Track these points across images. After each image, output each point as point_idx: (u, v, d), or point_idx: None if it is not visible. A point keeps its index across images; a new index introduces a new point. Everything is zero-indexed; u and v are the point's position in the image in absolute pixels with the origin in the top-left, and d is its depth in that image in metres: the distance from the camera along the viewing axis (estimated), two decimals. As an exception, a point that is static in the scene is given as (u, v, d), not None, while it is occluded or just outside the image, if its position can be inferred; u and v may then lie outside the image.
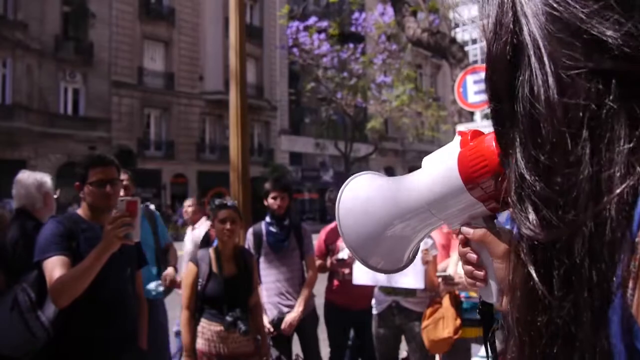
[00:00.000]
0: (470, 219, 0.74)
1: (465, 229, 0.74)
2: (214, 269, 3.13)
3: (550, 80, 0.44)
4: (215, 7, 25.86)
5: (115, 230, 2.11)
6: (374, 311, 3.63)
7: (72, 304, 2.16)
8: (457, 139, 0.73)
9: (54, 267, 2.18)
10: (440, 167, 0.72)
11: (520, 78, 0.46)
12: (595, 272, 0.39)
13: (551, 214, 0.43)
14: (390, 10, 12.12)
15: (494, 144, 0.67)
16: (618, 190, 0.39)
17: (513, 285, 0.48)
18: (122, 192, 3.55)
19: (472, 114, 7.61)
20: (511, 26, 0.47)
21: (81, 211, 2.49)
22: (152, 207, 4.18)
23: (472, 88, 6.91)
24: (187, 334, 3.08)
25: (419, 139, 26.15)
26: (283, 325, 3.63)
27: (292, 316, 3.65)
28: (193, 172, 25.70)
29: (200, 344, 3.10)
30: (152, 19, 24.90)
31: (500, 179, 0.66)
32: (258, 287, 3.47)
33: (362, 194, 0.81)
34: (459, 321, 3.07)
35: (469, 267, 0.76)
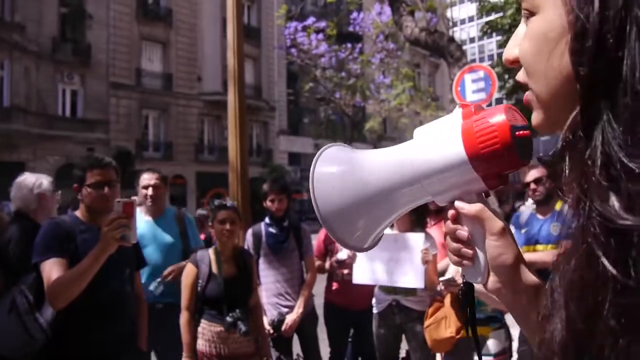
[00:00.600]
0: (463, 195, 0.71)
1: (459, 204, 0.71)
2: (214, 269, 3.13)
3: None
4: (212, 7, 25.84)
5: (112, 232, 2.11)
6: (375, 310, 3.62)
7: (69, 305, 2.17)
8: (458, 111, 0.70)
9: (51, 269, 2.19)
10: (441, 139, 0.69)
11: (628, 54, 0.45)
12: None
13: (638, 200, 0.42)
14: (387, 9, 12.12)
15: (504, 116, 0.65)
16: None
17: (566, 268, 0.49)
18: (151, 192, 3.56)
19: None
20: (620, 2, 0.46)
21: (79, 213, 2.50)
22: (184, 209, 4.10)
23: (471, 87, 6.92)
24: (187, 334, 3.08)
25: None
26: (283, 327, 3.62)
27: (292, 318, 3.64)
28: (192, 173, 25.68)
29: (200, 344, 3.10)
30: (149, 20, 24.88)
31: (509, 153, 0.64)
32: (258, 288, 3.48)
33: (341, 164, 0.77)
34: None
35: (457, 245, 0.72)
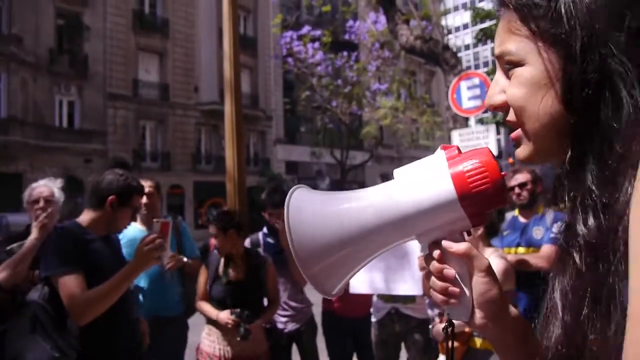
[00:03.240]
0: (447, 235, 0.72)
1: (447, 244, 0.72)
2: (221, 272, 3.26)
3: (638, 102, 0.52)
4: (208, 18, 25.95)
5: (152, 252, 2.14)
6: (373, 319, 3.62)
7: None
8: (441, 152, 0.72)
9: (72, 284, 2.12)
10: (428, 179, 0.69)
11: (606, 99, 0.55)
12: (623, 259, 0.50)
13: (606, 222, 0.53)
14: (382, 18, 12.20)
15: (492, 157, 0.69)
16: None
17: (561, 275, 0.59)
18: (146, 200, 3.55)
19: (466, 119, 7.65)
20: (597, 54, 0.56)
21: (86, 221, 2.41)
22: (180, 218, 4.06)
23: (466, 94, 6.95)
24: (206, 306, 3.24)
25: (415, 145, 26.22)
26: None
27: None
28: (189, 183, 25.66)
29: (206, 345, 3.21)
30: (146, 31, 24.95)
31: (499, 192, 0.68)
32: (275, 290, 3.48)
33: (316, 206, 0.75)
34: (468, 329, 3.08)
35: (444, 284, 0.73)
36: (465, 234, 0.74)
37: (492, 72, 16.54)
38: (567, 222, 0.60)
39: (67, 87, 22.47)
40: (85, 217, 2.43)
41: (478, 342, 3.03)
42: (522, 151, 0.68)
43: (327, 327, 4.03)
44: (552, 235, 3.24)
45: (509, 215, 3.66)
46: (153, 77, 25.39)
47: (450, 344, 0.80)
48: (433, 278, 0.75)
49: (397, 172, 0.73)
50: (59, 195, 3.21)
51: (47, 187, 3.20)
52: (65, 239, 2.26)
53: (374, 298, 3.60)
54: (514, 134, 0.69)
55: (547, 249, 3.21)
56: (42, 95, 21.38)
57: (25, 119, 20.58)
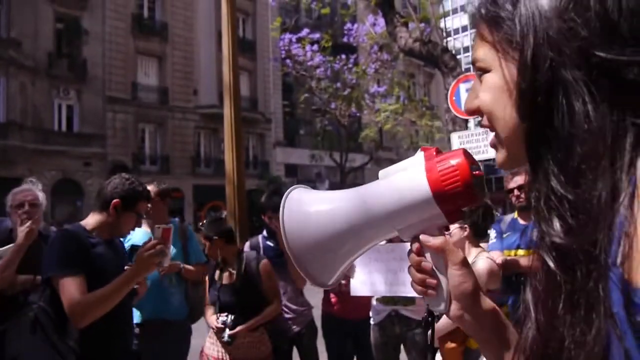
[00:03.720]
0: (426, 230, 0.77)
1: (425, 238, 0.77)
2: (217, 277, 3.33)
3: (590, 108, 0.54)
4: (207, 21, 25.98)
5: (153, 257, 2.16)
6: (372, 321, 3.61)
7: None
8: (420, 154, 0.76)
9: (73, 286, 2.11)
10: (407, 179, 0.75)
11: (558, 106, 0.56)
12: (595, 260, 0.52)
13: (575, 223, 0.54)
14: (381, 21, 12.21)
15: (464, 158, 0.73)
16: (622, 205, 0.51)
17: (534, 275, 0.60)
18: (151, 204, 3.52)
19: (466, 121, 7.65)
20: (549, 62, 0.57)
21: (91, 224, 2.40)
22: (187, 223, 4.04)
23: (465, 96, 6.95)
24: (207, 313, 3.37)
25: (414, 148, 26.23)
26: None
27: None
28: (189, 186, 25.64)
29: (207, 347, 3.27)
30: (145, 35, 24.97)
31: (470, 191, 0.72)
32: (274, 292, 3.44)
33: (311, 204, 0.82)
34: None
35: (422, 276, 0.78)
36: (443, 229, 0.79)
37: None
38: (535, 225, 0.62)
39: (66, 91, 22.47)
40: (90, 220, 2.42)
41: (474, 343, 3.02)
42: (498, 157, 0.71)
43: (327, 329, 4.03)
44: None
45: (509, 217, 3.67)
46: (152, 81, 25.40)
47: (430, 332, 0.87)
48: (412, 269, 0.80)
49: (381, 172, 0.80)
50: (42, 199, 3.21)
51: (31, 191, 3.18)
52: (69, 241, 2.25)
53: (373, 301, 3.59)
54: (490, 141, 0.72)
55: None
56: (41, 99, 21.39)
57: (24, 123, 20.58)
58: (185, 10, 26.38)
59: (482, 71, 0.69)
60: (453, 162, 0.73)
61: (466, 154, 0.74)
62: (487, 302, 0.78)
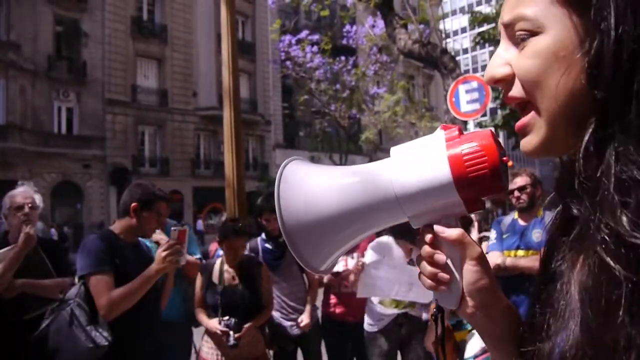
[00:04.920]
0: (441, 219, 0.69)
1: (439, 228, 0.69)
2: (214, 279, 3.28)
3: None
4: (207, 23, 26.01)
5: (170, 256, 2.39)
6: (374, 329, 3.55)
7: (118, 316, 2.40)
8: (441, 132, 0.68)
9: (102, 284, 2.39)
10: (424, 160, 0.66)
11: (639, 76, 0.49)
12: None
13: None
14: (380, 22, 12.22)
15: (492, 139, 0.65)
16: None
17: (579, 270, 0.53)
18: None
19: (465, 123, 7.66)
20: (634, 26, 0.50)
21: (117, 229, 2.64)
22: (186, 225, 4.04)
23: (465, 97, 6.96)
24: (202, 316, 3.28)
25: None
26: (302, 325, 3.68)
27: (305, 318, 3.69)
28: (188, 188, 25.65)
29: (204, 352, 3.25)
30: (144, 37, 25.01)
31: (497, 177, 0.64)
32: (269, 295, 3.48)
33: (308, 181, 0.72)
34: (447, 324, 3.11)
35: (434, 269, 0.70)
36: (459, 219, 0.71)
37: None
38: (578, 216, 0.54)
39: (65, 93, 22.49)
40: (117, 225, 2.67)
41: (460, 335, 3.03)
42: (531, 141, 0.63)
43: (327, 331, 4.02)
44: None
45: (509, 218, 3.67)
46: (152, 83, 25.43)
47: (439, 330, 0.77)
48: (423, 262, 0.72)
49: (393, 149, 0.70)
50: (39, 201, 3.21)
51: (29, 193, 3.17)
52: (99, 243, 2.50)
53: (377, 308, 3.53)
54: (520, 122, 0.63)
55: None
56: (40, 101, 21.41)
57: (24, 125, 20.59)
58: (184, 12, 26.42)
59: (526, 33, 0.59)
60: (479, 143, 0.64)
61: (494, 135, 0.66)
62: (504, 300, 0.71)
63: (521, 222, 3.51)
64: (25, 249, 2.85)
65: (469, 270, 0.69)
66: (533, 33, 0.58)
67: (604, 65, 0.52)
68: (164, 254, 2.39)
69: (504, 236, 3.54)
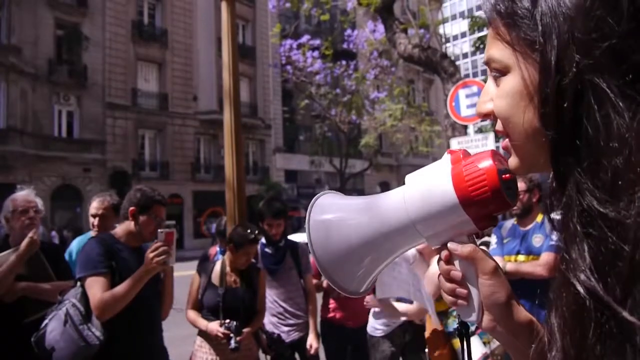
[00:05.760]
0: (455, 237, 0.74)
1: (453, 246, 0.73)
2: (214, 280, 3.27)
3: (625, 117, 0.48)
4: (207, 27, 26.07)
5: (157, 258, 2.43)
6: (378, 334, 3.55)
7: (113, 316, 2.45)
8: (447, 157, 0.73)
9: (96, 285, 2.46)
10: (433, 185, 0.71)
11: (589, 114, 0.51)
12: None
13: (612, 243, 0.48)
14: (381, 27, 12.25)
15: (492, 161, 0.68)
16: None
17: (559, 297, 0.54)
18: (97, 221, 3.64)
19: (465, 127, 7.66)
20: (575, 66, 0.51)
21: (118, 233, 2.72)
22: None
23: (465, 102, 6.97)
24: (196, 317, 3.24)
25: (414, 153, 26.26)
26: (312, 352, 3.64)
27: (312, 338, 3.66)
28: (188, 192, 25.65)
29: (199, 357, 3.20)
30: (145, 41, 25.06)
31: (498, 196, 0.67)
32: (263, 300, 3.48)
33: (336, 212, 0.79)
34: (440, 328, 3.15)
35: (452, 285, 0.74)
36: (473, 236, 0.75)
37: (490, 80, 16.57)
38: (560, 245, 0.57)
39: (66, 97, 22.52)
40: (118, 229, 2.76)
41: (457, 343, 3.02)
42: (512, 162, 0.67)
43: (326, 336, 4.01)
44: (551, 242, 3.24)
45: (509, 223, 3.67)
46: (152, 87, 25.46)
47: (465, 345, 0.80)
48: (442, 278, 0.76)
49: (408, 177, 0.75)
50: (41, 205, 3.21)
51: (33, 197, 3.17)
52: (97, 247, 2.57)
53: (381, 313, 3.52)
54: (503, 144, 0.68)
55: (546, 256, 3.21)
56: (41, 105, 21.42)
57: (24, 128, 20.60)
58: (185, 16, 26.49)
59: (498, 72, 0.63)
60: (480, 165, 0.68)
61: (495, 155, 0.70)
62: (522, 313, 0.73)
63: (521, 228, 3.51)
64: (28, 254, 2.86)
65: (484, 284, 0.72)
66: (502, 73, 0.62)
67: (547, 106, 0.54)
68: (151, 255, 2.44)
69: (505, 241, 3.54)
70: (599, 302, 0.48)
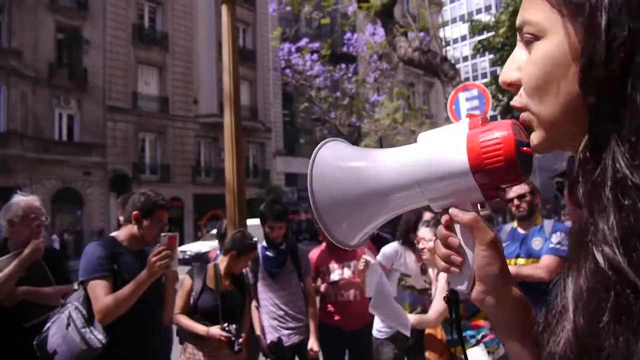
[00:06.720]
0: (459, 204, 0.72)
1: (454, 211, 0.72)
2: (209, 283, 3.26)
3: None
4: (208, 31, 26.11)
5: (160, 262, 2.45)
6: (382, 335, 3.57)
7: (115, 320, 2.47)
8: (465, 121, 0.70)
9: (98, 289, 2.47)
10: (445, 146, 0.69)
11: (635, 81, 0.49)
12: None
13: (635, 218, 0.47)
14: (380, 30, 12.27)
15: (511, 130, 0.66)
16: None
17: (578, 272, 0.52)
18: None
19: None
20: (627, 30, 0.50)
21: (120, 236, 2.74)
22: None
23: (465, 105, 6.97)
24: (188, 321, 3.17)
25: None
26: (311, 354, 3.64)
27: (312, 342, 3.65)
28: (189, 195, 25.65)
29: None
30: (145, 44, 25.10)
31: (512, 169, 0.65)
32: (252, 303, 3.54)
33: (343, 156, 0.77)
34: (440, 337, 3.14)
35: (447, 251, 0.73)
36: (478, 205, 0.73)
37: (490, 84, 16.60)
38: (580, 217, 0.55)
39: (66, 100, 22.54)
40: (121, 233, 2.77)
41: (460, 350, 3.01)
42: (536, 137, 0.64)
43: (324, 339, 4.00)
44: (551, 245, 3.24)
45: (508, 227, 3.67)
46: (152, 90, 25.49)
47: (454, 314, 0.79)
48: (438, 243, 0.75)
49: (421, 135, 0.74)
50: (44, 210, 3.21)
51: (39, 203, 3.16)
52: (98, 250, 2.58)
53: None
54: (522, 117, 0.64)
55: (546, 259, 3.21)
56: (41, 108, 21.45)
57: (24, 132, 20.62)
58: (185, 20, 26.53)
59: (532, 37, 0.60)
60: (498, 134, 0.65)
61: (515, 126, 0.67)
62: (514, 289, 0.72)
63: (521, 231, 3.51)
64: (30, 260, 2.86)
65: (480, 254, 0.70)
66: (537, 37, 0.59)
67: (594, 69, 0.52)
68: (154, 259, 2.45)
69: (504, 244, 3.54)
70: (621, 277, 0.47)
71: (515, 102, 0.64)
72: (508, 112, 18.12)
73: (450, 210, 0.72)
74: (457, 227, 0.73)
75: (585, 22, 0.53)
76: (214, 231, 7.48)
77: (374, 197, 0.73)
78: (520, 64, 0.63)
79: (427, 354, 3.24)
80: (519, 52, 0.64)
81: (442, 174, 0.68)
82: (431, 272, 3.40)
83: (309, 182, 0.75)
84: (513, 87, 0.65)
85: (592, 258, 0.50)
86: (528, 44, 0.61)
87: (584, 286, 0.51)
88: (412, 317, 3.16)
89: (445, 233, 0.74)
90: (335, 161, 0.77)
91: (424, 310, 3.36)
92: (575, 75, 0.55)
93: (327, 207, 0.75)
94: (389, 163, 0.73)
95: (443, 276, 2.76)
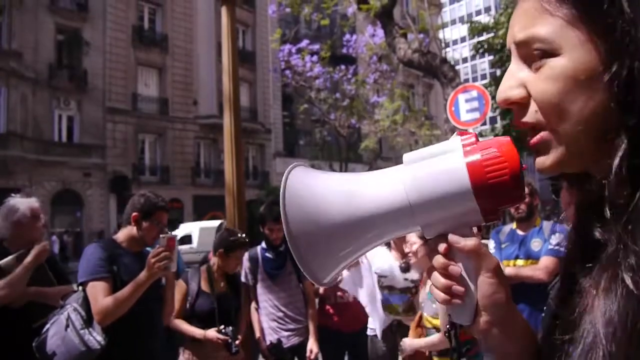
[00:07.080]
0: (455, 228, 0.66)
1: (455, 238, 0.65)
2: (204, 287, 3.28)
3: None
4: (207, 32, 26.12)
5: (159, 263, 2.45)
6: (374, 332, 3.60)
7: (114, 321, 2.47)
8: (456, 138, 0.66)
9: (97, 290, 2.48)
10: (440, 166, 0.64)
11: None
12: None
13: None
14: (380, 32, 12.28)
15: (513, 146, 0.62)
16: None
17: (605, 296, 0.51)
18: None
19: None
20: None
21: (120, 238, 2.75)
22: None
23: (464, 106, 6.97)
24: (184, 324, 3.18)
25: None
26: (312, 357, 3.63)
27: (312, 343, 3.64)
28: (188, 196, 25.64)
29: None
30: (145, 46, 25.11)
31: (517, 184, 0.61)
32: (246, 304, 3.57)
33: (315, 188, 0.69)
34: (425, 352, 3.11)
35: (447, 282, 0.66)
36: (475, 229, 0.68)
37: (490, 85, 16.62)
38: (601, 240, 0.52)
39: (66, 102, 22.54)
40: (120, 234, 2.78)
41: None
42: (546, 160, 0.60)
43: (323, 341, 3.99)
44: (550, 246, 3.24)
45: (507, 228, 3.68)
46: (152, 92, 25.50)
47: (455, 348, 0.74)
48: (436, 274, 0.67)
49: (406, 156, 0.67)
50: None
51: (38, 203, 3.16)
52: (98, 251, 2.59)
53: (380, 312, 3.57)
54: (536, 139, 0.60)
55: (545, 260, 3.21)
56: (41, 109, 21.45)
57: (24, 133, 20.62)
58: (185, 21, 26.55)
59: (542, 52, 0.57)
60: (500, 150, 0.62)
61: (513, 142, 0.63)
62: (520, 316, 0.68)
63: (520, 232, 3.52)
64: (39, 261, 2.85)
65: (485, 282, 0.65)
66: (549, 54, 0.57)
67: (635, 89, 0.50)
68: (152, 260, 2.46)
69: (503, 246, 3.54)
70: None
71: (529, 118, 0.60)
72: (508, 112, 18.12)
73: (450, 237, 0.66)
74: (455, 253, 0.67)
75: (619, 40, 0.51)
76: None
77: (358, 227, 0.66)
78: (523, 81, 0.60)
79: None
80: (520, 68, 0.61)
81: (440, 196, 0.63)
82: (415, 273, 3.37)
83: (282, 214, 0.66)
84: (514, 106, 0.62)
85: (622, 283, 0.48)
86: (533, 59, 0.58)
87: (615, 313, 0.49)
88: (418, 342, 3.07)
89: (443, 262, 0.66)
90: (309, 188, 0.68)
91: (410, 307, 3.40)
92: (602, 94, 0.53)
93: (306, 243, 0.66)
94: (377, 187, 0.66)
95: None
